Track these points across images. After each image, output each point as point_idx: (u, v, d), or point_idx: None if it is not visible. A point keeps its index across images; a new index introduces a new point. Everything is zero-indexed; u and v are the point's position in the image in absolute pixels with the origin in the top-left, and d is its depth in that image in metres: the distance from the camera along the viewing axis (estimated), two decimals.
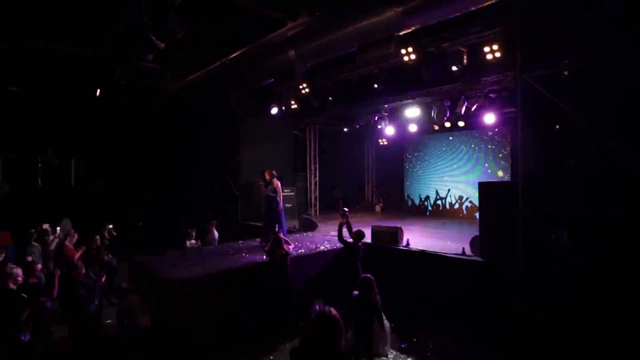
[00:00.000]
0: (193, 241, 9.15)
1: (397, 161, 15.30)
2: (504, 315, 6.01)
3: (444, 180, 13.54)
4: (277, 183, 7.92)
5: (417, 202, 14.37)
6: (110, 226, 8.96)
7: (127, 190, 13.32)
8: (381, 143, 15.78)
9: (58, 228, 8.38)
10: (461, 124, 12.55)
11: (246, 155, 12.26)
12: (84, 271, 5.39)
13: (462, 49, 7.38)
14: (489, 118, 10.76)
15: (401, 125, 13.52)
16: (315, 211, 13.91)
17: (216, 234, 9.60)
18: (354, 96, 10.62)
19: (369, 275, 5.07)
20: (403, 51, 7.72)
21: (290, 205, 12.90)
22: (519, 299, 5.76)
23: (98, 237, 7.89)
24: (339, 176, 16.41)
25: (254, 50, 7.71)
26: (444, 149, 13.63)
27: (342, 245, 7.35)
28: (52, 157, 11.76)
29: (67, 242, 7.12)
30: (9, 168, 11.67)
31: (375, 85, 8.94)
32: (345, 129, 13.50)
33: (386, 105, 11.20)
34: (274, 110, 12.24)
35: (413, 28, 7.14)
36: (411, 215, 13.71)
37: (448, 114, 10.63)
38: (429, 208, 13.95)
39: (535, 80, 5.73)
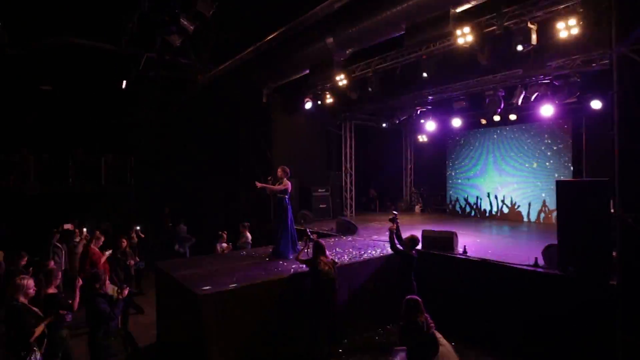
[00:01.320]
0: (224, 244, 8.53)
1: (438, 159, 14.22)
2: (591, 340, 4.99)
3: (492, 179, 12.36)
4: (288, 183, 6.66)
5: (462, 203, 13.22)
6: (138, 227, 8.49)
7: (157, 190, 12.98)
8: (420, 140, 14.75)
9: (85, 229, 7.97)
10: (513, 117, 11.46)
11: (279, 153, 11.58)
12: (107, 281, 4.79)
13: (531, 26, 6.33)
14: (547, 110, 9.59)
15: (444, 120, 12.51)
16: (351, 212, 13.07)
17: (249, 236, 8.95)
18: (396, 87, 9.72)
19: (414, 296, 4.16)
20: (458, 32, 6.77)
21: (324, 205, 12.17)
22: (615, 322, 4.71)
23: (125, 240, 7.39)
24: (374, 175, 15.52)
25: (290, 33, 6.98)
26: (492, 145, 12.43)
27: (390, 253, 6.52)
28: (83, 155, 11.54)
29: (92, 245, 6.65)
30: (41, 167, 11.54)
31: (425, 74, 7.98)
32: (384, 125, 12.58)
33: (430, 98, 10.19)
34: (308, 105, 11.53)
35: (473, 3, 6.22)
36: (456, 218, 12.64)
37: (502, 105, 9.52)
38: (474, 210, 12.79)
39: (633, 52, 4.66)
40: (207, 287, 4.76)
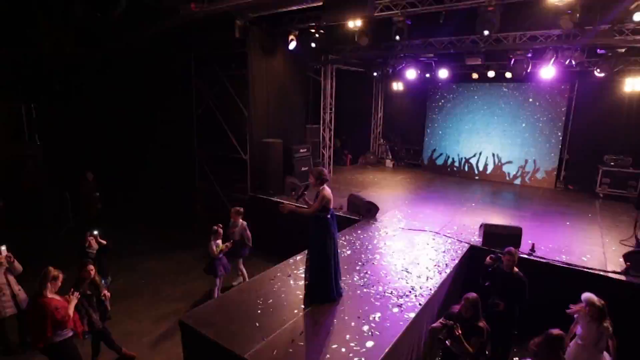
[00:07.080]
0: (219, 241, 6.39)
1: (415, 111, 13.18)
2: None
3: (477, 137, 11.86)
4: (328, 193, 4.18)
5: (440, 159, 12.57)
6: (96, 232, 5.70)
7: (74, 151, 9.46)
8: (395, 88, 13.35)
9: (3, 247, 4.90)
10: (508, 75, 10.71)
11: (256, 106, 9.07)
12: None
13: None
14: (547, 72, 9.00)
15: (426, 70, 11.14)
16: (329, 172, 11.50)
17: (244, 223, 6.87)
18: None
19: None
20: None
21: (306, 168, 10.30)
22: None
23: (92, 264, 4.79)
24: (341, 124, 13.81)
25: None
26: (480, 101, 11.73)
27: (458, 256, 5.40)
28: None
29: (49, 294, 4.02)
30: None
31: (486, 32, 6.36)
32: (375, 74, 10.75)
33: (452, 51, 8.64)
34: (293, 45, 9.03)
35: None
36: (436, 175, 12.02)
37: (530, 67, 8.59)
38: (454, 168, 12.34)
39: None
40: None
